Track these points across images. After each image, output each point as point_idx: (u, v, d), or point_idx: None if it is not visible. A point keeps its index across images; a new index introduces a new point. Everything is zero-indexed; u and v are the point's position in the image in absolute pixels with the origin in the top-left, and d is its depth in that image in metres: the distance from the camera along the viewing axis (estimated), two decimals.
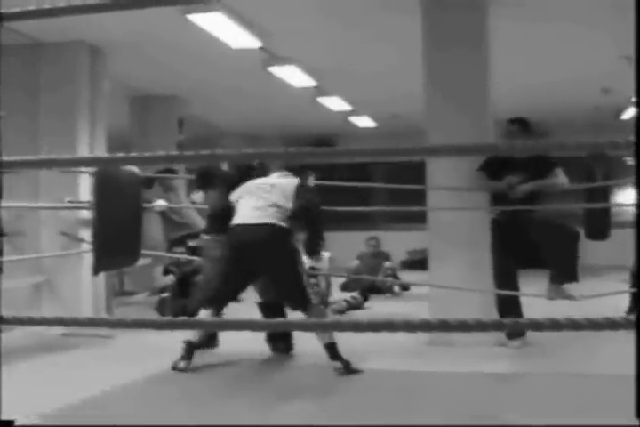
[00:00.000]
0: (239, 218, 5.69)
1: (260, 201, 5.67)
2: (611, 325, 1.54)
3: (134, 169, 5.21)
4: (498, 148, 2.37)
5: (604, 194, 7.57)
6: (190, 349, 5.59)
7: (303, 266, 5.81)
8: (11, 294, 7.74)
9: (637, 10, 1.76)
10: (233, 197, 5.86)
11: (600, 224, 7.61)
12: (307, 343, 5.67)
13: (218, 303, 5.60)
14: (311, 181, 6.46)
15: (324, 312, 5.83)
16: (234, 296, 5.94)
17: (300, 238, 5.96)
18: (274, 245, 5.60)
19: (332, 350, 5.44)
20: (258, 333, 5.95)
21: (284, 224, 5.61)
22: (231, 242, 5.69)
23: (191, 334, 5.63)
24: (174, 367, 5.51)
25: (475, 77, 6.64)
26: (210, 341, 6.40)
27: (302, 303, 5.59)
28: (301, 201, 5.69)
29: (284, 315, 6.10)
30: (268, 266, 5.62)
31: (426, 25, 6.71)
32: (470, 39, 6.64)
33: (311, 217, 5.81)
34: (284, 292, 5.76)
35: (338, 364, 5.39)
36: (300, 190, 5.78)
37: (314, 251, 6.06)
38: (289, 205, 5.66)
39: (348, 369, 5.39)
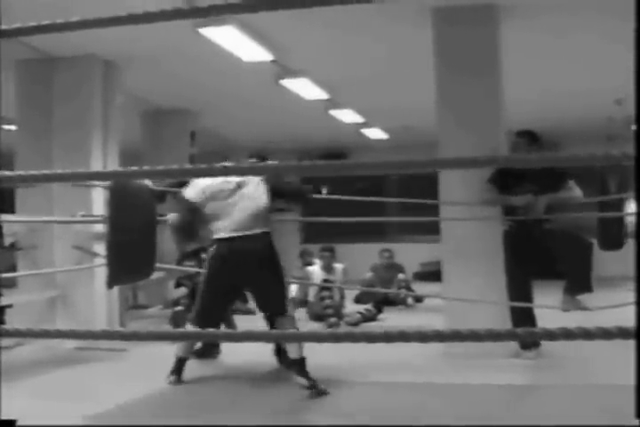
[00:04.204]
0: (228, 227, 5.46)
1: (238, 208, 5.49)
2: (623, 334, 1.53)
3: (148, 183, 5.23)
4: (510, 160, 2.37)
5: (619, 205, 7.55)
6: (180, 364, 5.67)
7: (285, 272, 5.77)
8: (25, 308, 7.78)
9: (637, 10, 1.75)
10: (197, 197, 5.57)
11: (614, 234, 7.58)
12: (316, 357, 5.63)
13: (211, 324, 5.32)
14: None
15: (295, 324, 5.72)
16: (224, 314, 5.90)
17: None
18: (266, 255, 5.49)
19: (300, 365, 5.32)
20: (267, 346, 5.94)
21: (267, 228, 5.51)
22: (224, 254, 5.48)
23: (180, 350, 5.68)
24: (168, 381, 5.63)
25: (487, 92, 6.63)
26: (210, 351, 6.46)
27: (280, 313, 5.50)
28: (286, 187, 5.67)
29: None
30: (259, 277, 5.50)
31: (437, 39, 6.71)
32: (482, 52, 6.64)
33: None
34: (269, 299, 5.61)
35: (304, 381, 5.25)
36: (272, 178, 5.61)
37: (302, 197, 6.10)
38: (265, 200, 5.54)
39: (313, 388, 5.20)
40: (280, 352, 6.08)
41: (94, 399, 5.15)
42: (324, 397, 5.16)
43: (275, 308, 5.55)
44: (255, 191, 5.53)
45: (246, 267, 5.41)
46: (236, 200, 5.49)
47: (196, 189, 5.53)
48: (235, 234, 5.42)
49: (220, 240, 5.47)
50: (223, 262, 5.46)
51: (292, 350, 5.35)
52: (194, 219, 5.60)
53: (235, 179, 5.52)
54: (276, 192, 5.61)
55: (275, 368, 6.07)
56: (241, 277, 5.48)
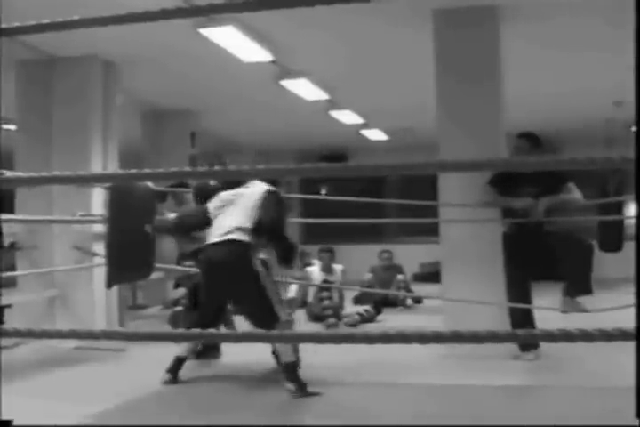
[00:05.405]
0: (210, 237, 5.51)
1: (227, 217, 5.47)
2: (623, 336, 1.53)
3: (148, 183, 5.23)
4: (510, 163, 2.38)
5: (618, 207, 7.57)
6: (177, 363, 5.64)
7: (270, 281, 5.49)
8: (24, 308, 7.78)
9: (637, 10, 1.75)
10: (211, 210, 5.61)
11: (614, 237, 7.59)
12: (314, 357, 5.63)
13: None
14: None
15: (291, 328, 5.55)
16: (216, 320, 5.71)
17: (267, 251, 5.85)
18: (234, 262, 5.36)
19: (291, 370, 5.21)
20: (265, 346, 5.93)
21: (245, 238, 5.36)
22: (201, 263, 5.59)
23: (179, 349, 5.67)
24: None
25: (487, 94, 6.63)
26: (210, 352, 6.46)
27: (268, 322, 5.18)
28: (267, 218, 5.43)
29: None
30: (230, 285, 5.37)
31: (437, 41, 6.71)
32: (482, 54, 6.63)
33: (276, 235, 5.60)
34: (248, 310, 5.55)
35: (292, 386, 5.13)
36: (269, 199, 5.50)
37: (287, 261, 5.81)
38: (252, 215, 5.43)
39: (303, 392, 5.11)
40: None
41: (93, 399, 5.15)
42: (319, 397, 5.13)
43: (261, 319, 5.33)
44: (248, 203, 5.49)
45: (218, 277, 5.38)
46: (228, 210, 5.51)
47: (216, 202, 5.60)
48: (213, 241, 5.44)
49: (205, 246, 5.55)
50: (203, 271, 5.54)
51: (285, 354, 5.23)
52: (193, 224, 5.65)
53: (239, 191, 5.56)
54: (261, 222, 5.48)
55: (273, 369, 6.07)
56: (218, 286, 5.45)
